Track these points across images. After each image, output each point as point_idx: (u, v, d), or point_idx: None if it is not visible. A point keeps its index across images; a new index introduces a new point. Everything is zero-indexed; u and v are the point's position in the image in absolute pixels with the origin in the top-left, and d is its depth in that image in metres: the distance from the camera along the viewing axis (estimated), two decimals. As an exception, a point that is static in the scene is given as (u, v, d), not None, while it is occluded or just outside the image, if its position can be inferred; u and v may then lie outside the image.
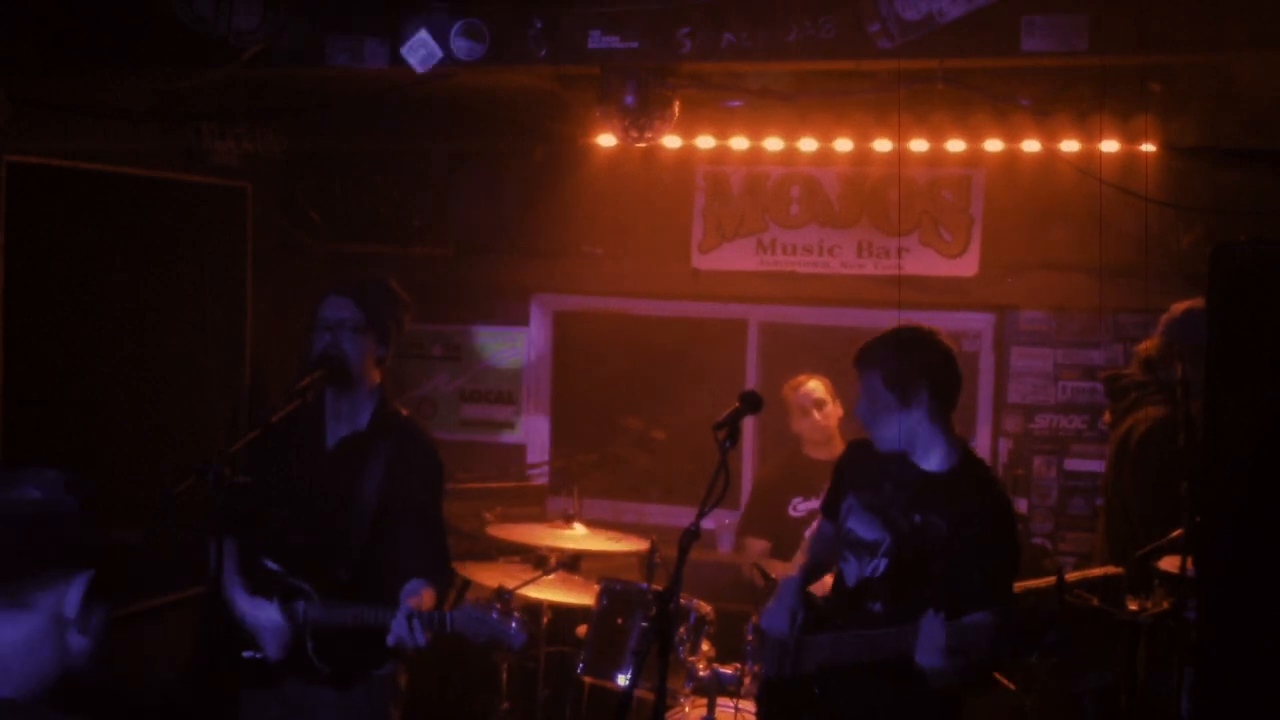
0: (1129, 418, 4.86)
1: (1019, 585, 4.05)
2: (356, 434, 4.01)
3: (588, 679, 4.94)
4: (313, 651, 3.83)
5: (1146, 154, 5.73)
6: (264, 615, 3.85)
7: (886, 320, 6.19)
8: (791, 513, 5.73)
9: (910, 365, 3.69)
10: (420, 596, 3.78)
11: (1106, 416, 5.19)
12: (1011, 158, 6.01)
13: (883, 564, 3.68)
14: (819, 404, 5.78)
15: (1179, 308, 4.84)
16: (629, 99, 4.84)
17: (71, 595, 1.95)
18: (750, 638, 4.43)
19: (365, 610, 3.77)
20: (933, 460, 3.70)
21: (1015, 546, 3.69)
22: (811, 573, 3.96)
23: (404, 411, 4.12)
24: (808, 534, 5.61)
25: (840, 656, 3.68)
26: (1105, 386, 5.17)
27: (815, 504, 5.64)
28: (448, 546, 4.04)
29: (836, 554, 3.87)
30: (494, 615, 3.65)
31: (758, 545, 5.80)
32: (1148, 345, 4.96)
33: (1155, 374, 4.87)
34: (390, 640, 3.70)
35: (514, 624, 3.64)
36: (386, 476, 3.93)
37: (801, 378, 5.86)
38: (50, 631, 1.94)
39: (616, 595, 4.90)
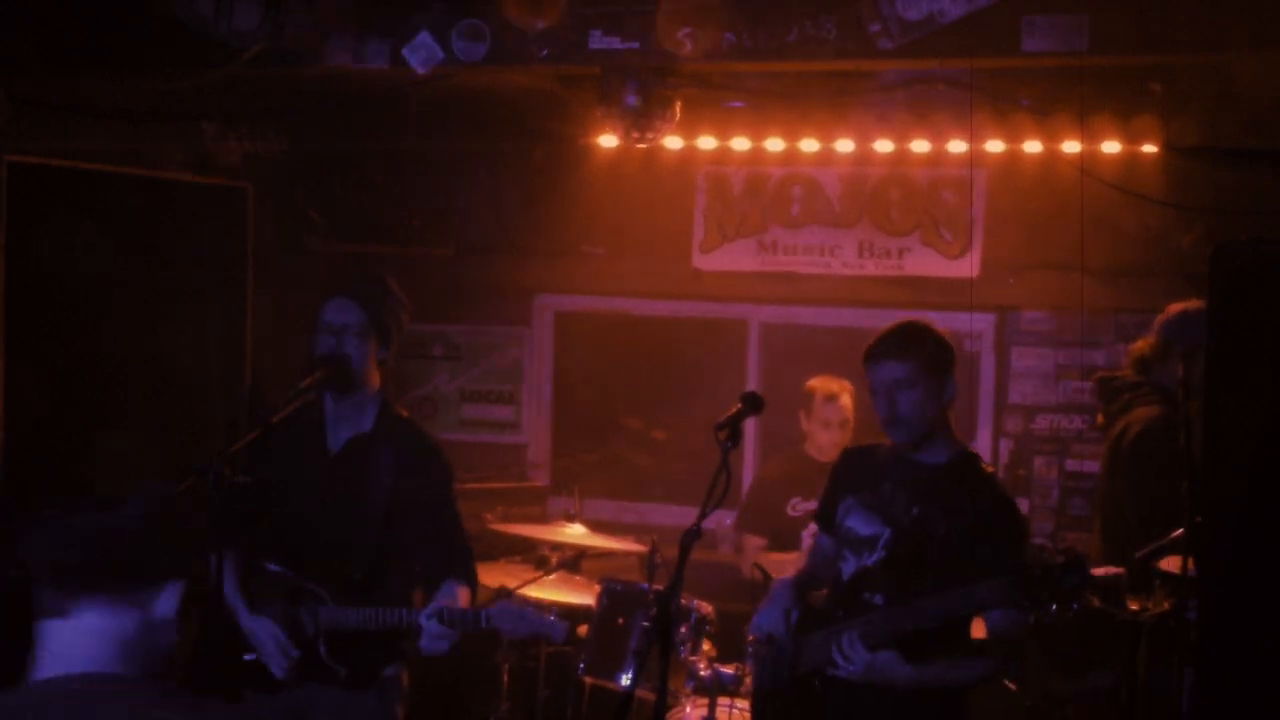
0: (1122, 419, 4.87)
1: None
2: (362, 436, 4.00)
3: (588, 679, 4.94)
4: (326, 655, 3.83)
5: (1147, 154, 5.73)
6: (263, 630, 3.84)
7: (888, 320, 6.21)
8: (790, 512, 5.72)
9: (942, 353, 3.68)
10: (456, 596, 3.81)
11: (1100, 419, 5.19)
12: (1012, 158, 6.01)
13: (881, 555, 3.68)
14: (844, 423, 5.70)
15: (1174, 308, 4.85)
16: (630, 99, 4.84)
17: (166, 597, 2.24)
18: (751, 637, 4.43)
19: (383, 611, 3.77)
20: (932, 455, 3.70)
21: (1017, 537, 3.67)
22: (808, 580, 3.95)
23: (404, 413, 4.13)
24: (806, 534, 5.63)
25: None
26: (1098, 389, 5.17)
27: (814, 505, 5.64)
28: (469, 544, 4.05)
29: (836, 559, 3.85)
30: (530, 610, 3.70)
31: (755, 542, 5.80)
32: (1142, 345, 4.97)
33: (1150, 374, 4.88)
34: (424, 642, 3.70)
35: (553, 617, 3.71)
36: (396, 478, 3.93)
37: (835, 387, 5.70)
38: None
39: (617, 595, 4.89)
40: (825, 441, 5.72)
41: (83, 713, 2.08)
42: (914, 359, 3.62)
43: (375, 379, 4.03)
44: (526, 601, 3.74)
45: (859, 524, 3.76)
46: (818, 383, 5.77)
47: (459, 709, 5.69)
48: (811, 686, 3.73)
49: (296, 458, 4.00)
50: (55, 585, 2.16)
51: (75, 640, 2.16)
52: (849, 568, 3.77)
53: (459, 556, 3.98)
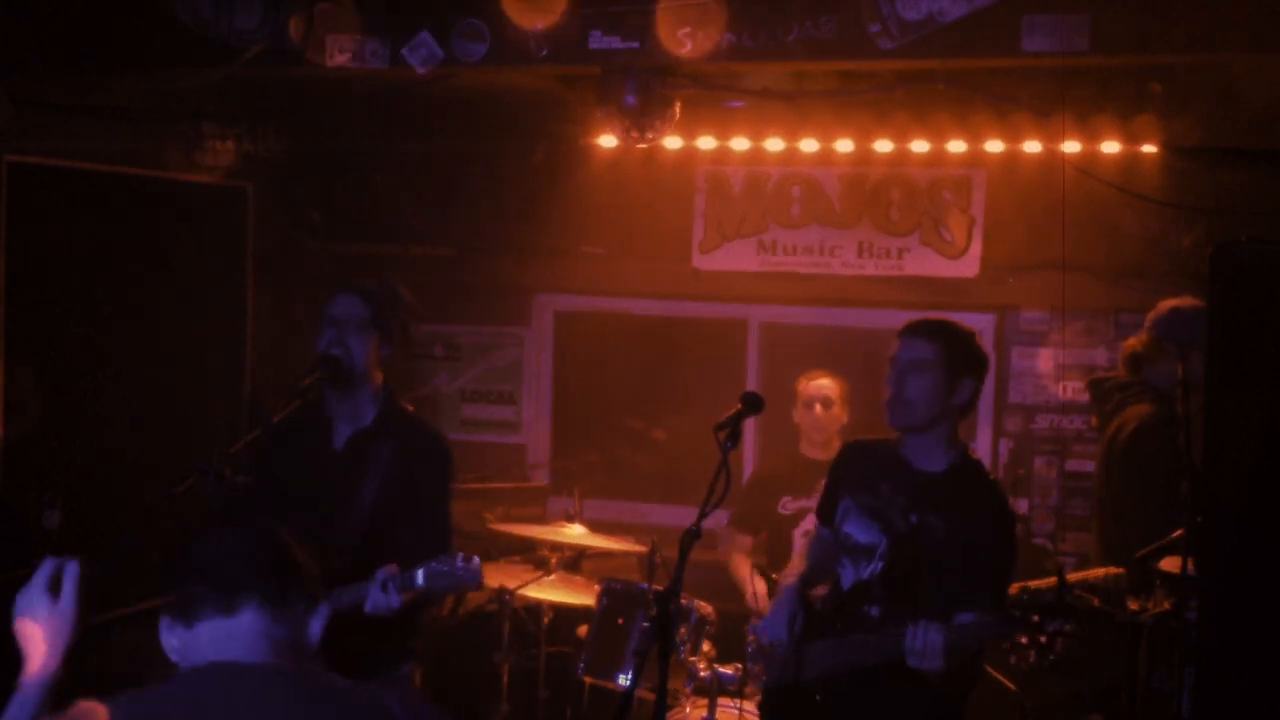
0: (1116, 419, 4.88)
1: (1017, 585, 4.05)
2: (363, 431, 4.01)
3: (588, 679, 4.94)
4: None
5: (1147, 154, 5.73)
6: None
7: (888, 320, 6.23)
8: (781, 510, 5.72)
9: (969, 355, 3.68)
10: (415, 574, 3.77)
11: (1094, 420, 5.20)
12: (1012, 158, 6.01)
13: (879, 567, 3.66)
14: (826, 401, 5.74)
15: (1166, 305, 4.86)
16: (630, 99, 4.84)
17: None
18: (751, 638, 4.43)
19: (344, 590, 3.75)
20: (932, 460, 3.68)
21: (1012, 548, 3.66)
22: (810, 579, 3.94)
23: (409, 407, 4.13)
24: (798, 533, 5.63)
25: (840, 662, 3.66)
26: (1089, 391, 5.17)
27: (805, 503, 5.64)
28: (451, 539, 4.03)
29: (834, 560, 3.84)
30: (458, 562, 3.66)
31: (743, 541, 5.80)
32: (1134, 342, 4.97)
33: (1141, 371, 4.88)
34: (368, 606, 3.65)
35: (473, 562, 3.66)
36: (393, 469, 3.93)
37: (819, 373, 5.80)
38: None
39: (617, 595, 4.90)
40: (808, 426, 5.75)
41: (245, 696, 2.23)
42: (939, 345, 3.63)
43: (377, 376, 4.04)
44: (458, 553, 3.69)
45: (857, 530, 3.73)
46: (804, 374, 5.84)
47: (459, 709, 5.68)
48: (813, 698, 3.72)
49: (304, 456, 4.01)
50: (225, 589, 2.33)
51: (233, 635, 2.31)
52: (848, 577, 3.75)
53: (437, 551, 3.94)
